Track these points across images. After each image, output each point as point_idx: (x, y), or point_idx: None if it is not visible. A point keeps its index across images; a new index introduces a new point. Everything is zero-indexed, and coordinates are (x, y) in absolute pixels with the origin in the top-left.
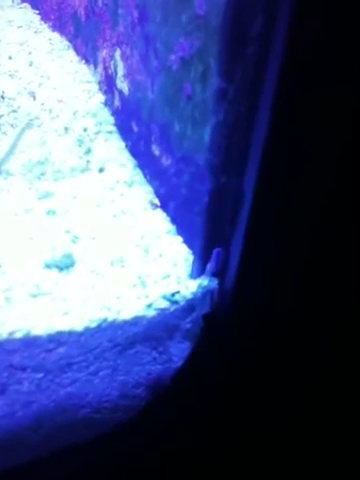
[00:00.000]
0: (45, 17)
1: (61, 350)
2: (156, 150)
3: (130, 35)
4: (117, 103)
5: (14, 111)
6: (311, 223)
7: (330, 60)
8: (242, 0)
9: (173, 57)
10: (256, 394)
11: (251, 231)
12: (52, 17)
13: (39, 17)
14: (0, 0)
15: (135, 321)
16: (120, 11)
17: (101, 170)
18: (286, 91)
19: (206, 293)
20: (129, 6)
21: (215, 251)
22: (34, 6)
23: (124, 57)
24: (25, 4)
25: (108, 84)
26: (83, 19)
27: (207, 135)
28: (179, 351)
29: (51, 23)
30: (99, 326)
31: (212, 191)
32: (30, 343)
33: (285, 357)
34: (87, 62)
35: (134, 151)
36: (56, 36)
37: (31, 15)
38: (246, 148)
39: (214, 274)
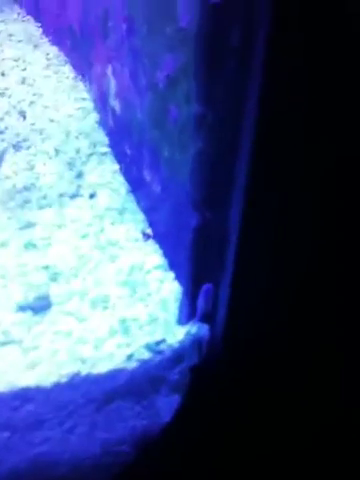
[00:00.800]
0: (46, 31)
1: (29, 407)
2: (147, 175)
3: (120, 49)
4: (111, 122)
5: (1, 132)
6: (302, 256)
7: (312, 77)
8: (218, 12)
9: (159, 74)
10: (252, 448)
11: (239, 270)
12: (51, 30)
13: (41, 31)
14: (6, 14)
15: (113, 375)
16: (110, 24)
17: (92, 196)
18: (269, 114)
19: (195, 341)
20: (118, 18)
21: (204, 287)
22: (37, 19)
23: (115, 73)
24: (28, 17)
25: (102, 102)
26: (78, 32)
27: (190, 162)
28: (167, 405)
29: (51, 37)
30: (71, 382)
31: (197, 227)
32: None
33: (281, 407)
34: (83, 78)
35: (127, 175)
36: (54, 50)
37: (33, 29)
38: (230, 180)
39: (203, 314)
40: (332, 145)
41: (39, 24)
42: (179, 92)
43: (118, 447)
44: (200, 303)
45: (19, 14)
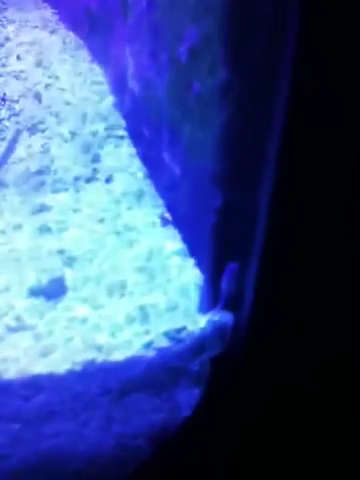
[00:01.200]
0: (62, 16)
1: (40, 398)
2: (166, 157)
3: (139, 27)
4: (128, 104)
5: (16, 115)
6: (333, 239)
7: (346, 45)
8: None
9: (181, 48)
10: (275, 446)
11: (268, 253)
12: (69, 16)
13: (57, 17)
14: (21, 3)
15: (130, 364)
16: (130, 1)
17: (108, 180)
18: (305, 78)
19: (218, 329)
20: None
21: (229, 267)
22: (53, 6)
23: (134, 53)
24: (45, 4)
25: (119, 84)
26: (96, 13)
27: (215, 137)
28: (187, 398)
29: (68, 23)
30: (85, 370)
31: (221, 208)
32: (2, 389)
33: (305, 404)
34: (100, 61)
35: (145, 158)
36: (71, 35)
37: (49, 15)
38: (259, 155)
39: (228, 296)
40: None
41: (56, 10)
42: (202, 64)
43: (134, 441)
44: (224, 284)
45: (37, 2)
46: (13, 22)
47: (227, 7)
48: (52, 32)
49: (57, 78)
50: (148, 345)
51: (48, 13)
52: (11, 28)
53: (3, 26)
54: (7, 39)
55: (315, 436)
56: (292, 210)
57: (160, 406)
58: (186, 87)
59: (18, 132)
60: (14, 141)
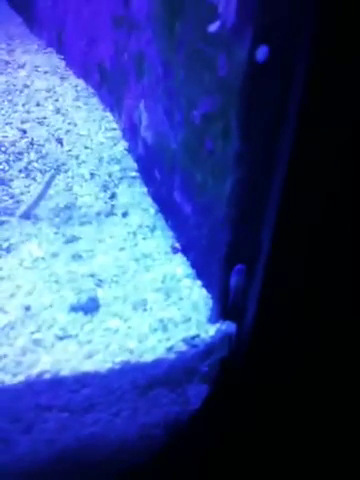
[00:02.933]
0: (70, 63)
1: (86, 391)
2: (177, 197)
3: (155, 88)
4: (140, 150)
5: (43, 158)
6: (325, 269)
7: (346, 125)
8: (262, 67)
9: (195, 113)
10: (271, 436)
11: (268, 279)
12: (77, 64)
13: (64, 63)
14: (26, 45)
15: (156, 364)
16: (145, 65)
17: (125, 215)
18: (300, 153)
19: (224, 337)
20: (154, 62)
21: (237, 268)
22: (59, 52)
23: (148, 109)
24: (50, 49)
25: (132, 132)
26: (109, 69)
27: (227, 189)
28: (197, 393)
29: (76, 70)
30: (122, 369)
31: (231, 242)
32: (56, 384)
33: (303, 400)
34: (112, 110)
35: (156, 197)
36: (81, 83)
37: (56, 61)
38: (263, 203)
39: (236, 292)
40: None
41: (62, 57)
42: (215, 129)
43: (153, 430)
44: (232, 281)
45: (39, 46)
46: (23, 67)
47: (241, 89)
48: (62, 79)
49: (75, 125)
50: (169, 349)
51: (55, 58)
52: (23, 73)
53: (15, 70)
54: (25, 86)
55: (315, 429)
56: (291, 243)
57: (175, 399)
58: (199, 143)
59: (53, 176)
60: (49, 183)
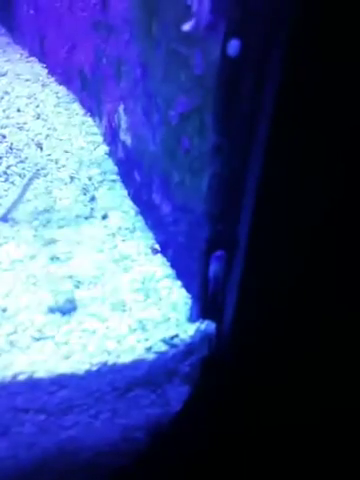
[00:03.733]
0: (52, 71)
1: (63, 393)
2: (156, 198)
3: (133, 91)
4: (120, 153)
5: (22, 162)
6: (303, 265)
7: (319, 119)
8: (234, 62)
9: (173, 113)
10: (255, 436)
11: (246, 276)
12: (59, 71)
13: (46, 71)
14: (9, 54)
15: (135, 365)
16: (123, 68)
17: (104, 217)
18: (276, 145)
19: (204, 336)
20: (132, 64)
21: (217, 253)
22: (41, 60)
23: (127, 111)
24: (32, 58)
25: (112, 136)
26: (89, 75)
27: (204, 186)
28: (177, 395)
29: (58, 77)
30: (99, 370)
31: (209, 238)
32: (33, 386)
33: (284, 397)
34: (92, 115)
35: (136, 199)
36: (63, 89)
37: (39, 69)
38: (240, 198)
39: (216, 279)
40: (338, 172)
41: (44, 65)
42: (191, 126)
43: (134, 433)
44: (212, 268)
45: (22, 55)
46: (5, 75)
47: (215, 85)
48: (44, 86)
49: (55, 129)
50: (149, 349)
51: (37, 67)
52: (4, 80)
53: None
54: (6, 93)
55: (294, 428)
56: (269, 237)
57: (156, 401)
58: (176, 143)
59: (30, 179)
60: (27, 186)
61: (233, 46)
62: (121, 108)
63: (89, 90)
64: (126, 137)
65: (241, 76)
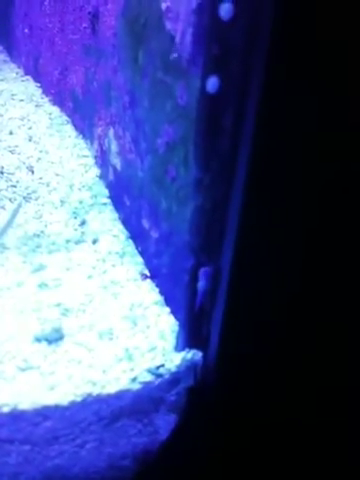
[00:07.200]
0: (46, 91)
1: (47, 424)
2: (146, 224)
3: (122, 116)
4: (111, 177)
5: (13, 186)
6: (287, 295)
7: (295, 151)
8: (214, 98)
9: (159, 141)
10: (242, 464)
11: (229, 307)
12: (52, 91)
13: (40, 91)
14: (5, 73)
15: (120, 395)
16: (113, 93)
17: (95, 241)
18: (256, 179)
19: (190, 366)
20: (121, 90)
21: (203, 270)
22: (36, 79)
23: (117, 136)
24: (27, 77)
25: (103, 159)
26: (80, 97)
27: (189, 215)
28: (165, 423)
29: (51, 97)
30: (84, 401)
31: (192, 269)
32: (17, 417)
33: (273, 425)
34: (84, 137)
35: (126, 223)
36: (56, 110)
37: (33, 88)
38: (223, 230)
39: (204, 295)
40: (313, 202)
41: (38, 84)
42: (177, 156)
43: (121, 462)
44: (201, 284)
45: (17, 73)
46: (0, 94)
47: (197, 124)
48: (37, 106)
49: (47, 152)
50: (134, 380)
51: (31, 86)
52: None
53: None
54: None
55: (282, 456)
56: (250, 270)
57: (142, 430)
58: (163, 171)
59: (20, 205)
60: (16, 212)
61: (212, 83)
62: (111, 132)
63: (81, 112)
64: (116, 161)
65: (220, 112)
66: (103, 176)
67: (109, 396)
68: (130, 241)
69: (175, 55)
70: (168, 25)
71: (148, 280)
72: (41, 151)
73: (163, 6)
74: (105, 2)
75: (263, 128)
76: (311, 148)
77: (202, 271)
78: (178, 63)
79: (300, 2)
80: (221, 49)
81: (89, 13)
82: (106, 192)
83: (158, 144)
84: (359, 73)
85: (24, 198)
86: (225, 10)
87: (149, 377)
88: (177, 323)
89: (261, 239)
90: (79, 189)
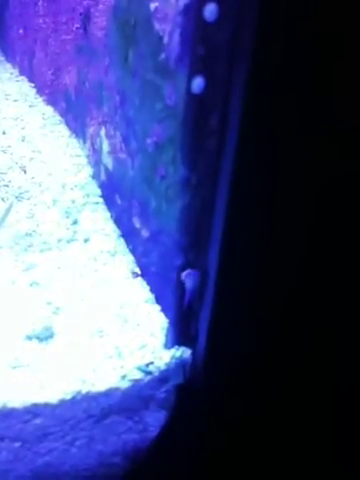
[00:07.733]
0: (40, 91)
1: (37, 421)
2: (137, 223)
3: (113, 116)
4: (103, 177)
5: (5, 185)
6: (274, 293)
7: (280, 150)
8: (199, 98)
9: (149, 140)
10: (234, 460)
11: (217, 305)
12: (46, 91)
13: (35, 91)
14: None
15: (110, 393)
16: (104, 93)
17: (86, 240)
18: (242, 179)
19: (179, 364)
20: (112, 90)
21: (187, 272)
22: (30, 79)
23: (108, 135)
24: (22, 77)
25: (95, 158)
26: (73, 97)
27: (178, 214)
28: (155, 420)
29: (45, 97)
30: (74, 398)
31: (181, 266)
32: (7, 414)
33: (261, 422)
34: (77, 136)
35: (118, 222)
36: (49, 110)
37: (27, 88)
38: (210, 229)
39: (192, 294)
40: (299, 203)
41: (33, 84)
42: (166, 156)
43: (112, 458)
44: (188, 284)
45: (12, 73)
46: None
47: (184, 123)
48: (31, 106)
49: (40, 152)
50: (123, 377)
51: (26, 86)
52: None
53: None
54: None
55: (272, 454)
56: (237, 268)
57: (132, 427)
58: (153, 171)
59: (12, 204)
60: (8, 211)
61: (197, 83)
62: (103, 132)
63: (74, 112)
64: (108, 160)
65: (207, 112)
66: (95, 175)
67: (99, 394)
68: (122, 240)
69: (163, 56)
70: (157, 26)
71: (139, 278)
72: (34, 151)
73: (152, 7)
74: (96, 3)
75: (248, 128)
76: (296, 147)
77: (190, 270)
78: (166, 64)
79: (283, 3)
80: (206, 50)
81: (81, 14)
82: (98, 191)
83: (148, 144)
84: (343, 72)
85: (16, 198)
86: (210, 11)
87: (139, 375)
88: (167, 321)
89: (248, 238)
90: (71, 189)
